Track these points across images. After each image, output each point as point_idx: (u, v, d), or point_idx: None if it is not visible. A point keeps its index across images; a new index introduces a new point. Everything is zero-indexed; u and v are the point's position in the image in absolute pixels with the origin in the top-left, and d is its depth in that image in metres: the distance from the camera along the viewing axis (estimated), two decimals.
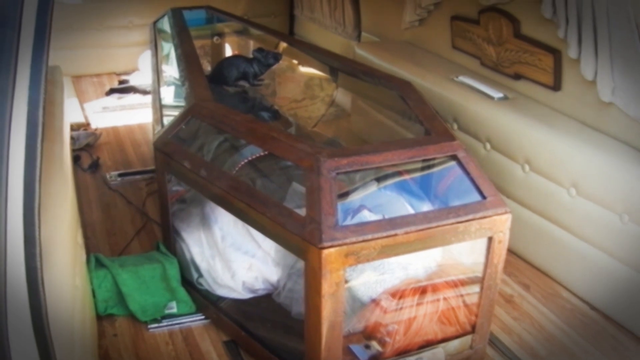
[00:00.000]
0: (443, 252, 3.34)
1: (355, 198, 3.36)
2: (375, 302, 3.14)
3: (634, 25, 3.35)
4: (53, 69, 4.52)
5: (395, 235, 2.71)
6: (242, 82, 4.64)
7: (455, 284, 3.22)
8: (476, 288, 3.15)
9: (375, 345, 3.09)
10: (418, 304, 3.12)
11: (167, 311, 3.57)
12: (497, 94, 4.32)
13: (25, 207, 1.77)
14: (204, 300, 3.59)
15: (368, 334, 3.13)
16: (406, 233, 2.73)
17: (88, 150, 5.59)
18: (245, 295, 3.57)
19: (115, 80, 7.36)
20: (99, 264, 3.68)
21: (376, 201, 3.36)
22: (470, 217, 2.86)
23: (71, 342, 2.31)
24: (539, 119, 3.97)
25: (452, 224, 2.83)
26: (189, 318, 3.57)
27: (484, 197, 2.96)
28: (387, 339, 3.07)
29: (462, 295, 3.20)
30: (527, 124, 3.96)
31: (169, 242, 3.83)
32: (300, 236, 2.68)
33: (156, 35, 5.38)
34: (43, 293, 1.82)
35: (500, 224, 2.95)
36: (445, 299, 3.18)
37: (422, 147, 3.09)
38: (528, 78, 4.28)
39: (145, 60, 6.73)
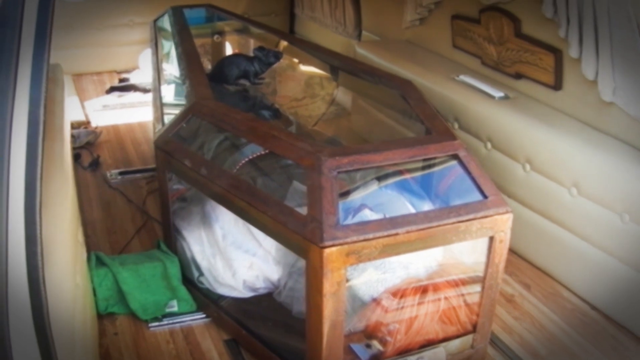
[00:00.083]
0: (444, 252, 3.34)
1: (356, 197, 3.36)
2: (376, 301, 3.14)
3: (635, 25, 3.35)
4: (53, 67, 4.52)
5: (397, 234, 2.70)
6: (242, 81, 4.63)
7: (456, 284, 3.22)
8: (477, 287, 3.14)
9: (376, 345, 3.09)
10: (419, 303, 3.12)
11: (167, 310, 3.57)
12: (498, 94, 4.32)
13: (27, 205, 1.77)
14: (205, 298, 3.59)
15: (369, 333, 3.13)
16: (407, 232, 2.72)
17: (88, 148, 5.59)
18: (246, 294, 3.57)
19: (115, 78, 7.35)
20: (100, 262, 3.68)
21: (377, 200, 3.36)
22: (471, 216, 2.86)
23: (72, 340, 2.31)
24: (540, 119, 3.97)
25: (454, 223, 2.82)
26: (190, 317, 3.57)
27: (485, 197, 2.96)
28: (388, 338, 3.07)
29: (463, 295, 3.20)
30: (528, 124, 3.96)
31: (169, 240, 3.82)
32: (301, 235, 2.68)
33: (157, 33, 5.38)
34: (44, 291, 1.82)
35: (502, 223, 2.95)
36: (446, 298, 3.18)
37: (423, 146, 3.09)
38: (529, 77, 4.28)
39: (145, 58, 6.72)
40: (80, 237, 3.42)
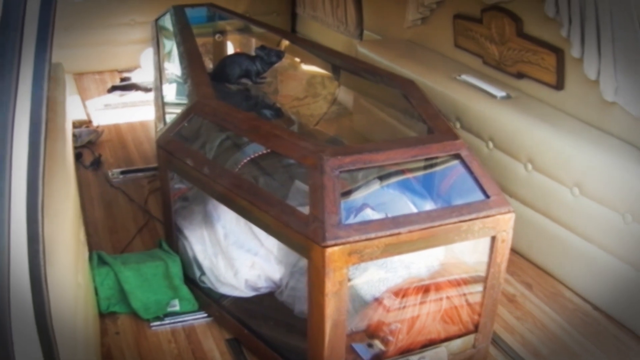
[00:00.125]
0: (446, 251, 3.34)
1: (358, 197, 3.36)
2: (378, 300, 3.14)
3: (637, 25, 3.35)
4: (55, 66, 4.50)
5: (399, 233, 2.70)
6: (244, 80, 4.63)
7: (458, 283, 3.22)
8: (479, 287, 3.14)
9: (378, 344, 3.09)
10: (421, 303, 3.12)
11: (169, 309, 3.57)
12: (500, 93, 4.32)
13: (29, 204, 1.77)
14: (207, 298, 3.59)
15: (371, 333, 3.13)
16: (410, 232, 2.72)
17: (90, 147, 5.59)
18: (248, 293, 3.57)
19: (117, 77, 7.36)
20: (102, 261, 3.68)
21: (379, 200, 3.36)
22: (473, 216, 2.86)
23: (74, 339, 2.31)
24: (542, 118, 3.97)
25: (456, 222, 2.82)
26: (192, 316, 3.57)
27: (487, 196, 2.96)
28: (390, 338, 3.06)
29: (465, 295, 3.20)
30: (529, 123, 3.96)
31: (171, 239, 3.82)
32: (303, 234, 2.67)
33: (158, 32, 5.38)
34: (46, 290, 1.82)
35: (504, 223, 2.94)
36: (448, 298, 3.17)
37: (425, 145, 3.09)
38: (531, 77, 4.28)
39: (147, 57, 6.73)
40: (82, 237, 3.42)
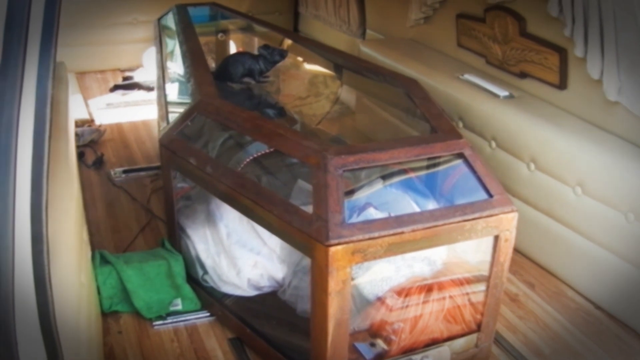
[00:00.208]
0: (449, 251, 3.34)
1: (361, 196, 3.36)
2: (381, 300, 3.14)
3: None
4: (58, 65, 4.47)
5: (402, 233, 2.70)
6: (247, 79, 4.63)
7: (461, 283, 3.22)
8: (482, 286, 3.14)
9: (380, 344, 3.09)
10: (424, 302, 3.12)
11: (172, 308, 3.57)
12: (503, 93, 4.31)
13: (33, 204, 1.78)
14: (209, 297, 3.59)
15: (373, 332, 3.13)
16: (413, 231, 2.72)
17: (92, 146, 5.59)
18: (251, 292, 3.57)
19: (119, 76, 7.36)
20: (104, 260, 3.68)
21: (382, 199, 3.36)
22: (476, 215, 2.86)
23: (77, 338, 2.31)
24: (545, 118, 3.96)
25: (459, 222, 2.82)
26: (194, 315, 3.57)
27: (490, 196, 2.96)
28: (393, 337, 3.06)
29: (467, 294, 3.20)
30: (532, 123, 3.96)
31: (174, 238, 3.82)
32: (306, 233, 2.67)
33: (161, 31, 5.38)
34: (50, 290, 1.82)
35: (507, 222, 2.94)
36: (451, 297, 3.17)
37: (429, 144, 3.08)
38: (534, 76, 4.28)
39: (149, 56, 6.72)
40: (85, 236, 3.42)
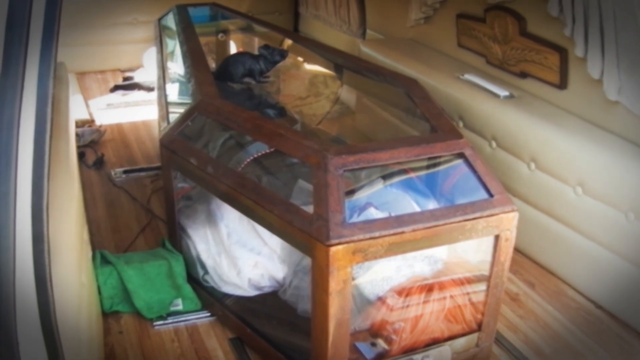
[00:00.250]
0: (449, 250, 3.34)
1: (361, 196, 3.36)
2: (381, 299, 3.14)
3: None
4: (58, 65, 4.49)
5: (403, 232, 2.70)
6: (248, 79, 4.63)
7: (461, 282, 3.22)
8: (482, 286, 3.14)
9: (381, 343, 3.09)
10: (424, 302, 3.12)
11: (172, 308, 3.57)
12: (503, 92, 4.32)
13: (34, 203, 1.78)
14: (210, 297, 3.59)
15: (374, 332, 3.13)
16: (413, 231, 2.72)
17: (93, 147, 5.59)
18: (251, 292, 3.57)
19: (119, 77, 7.37)
20: (105, 260, 3.68)
21: (382, 199, 3.36)
22: (477, 215, 2.86)
23: (78, 338, 2.32)
24: (545, 118, 3.97)
25: (459, 221, 2.82)
26: (195, 315, 3.57)
27: (491, 195, 2.96)
28: (394, 337, 3.07)
29: (468, 294, 3.20)
30: (533, 123, 3.96)
31: (174, 239, 3.83)
32: (307, 233, 2.67)
33: (161, 32, 5.38)
34: (51, 289, 1.83)
35: (507, 222, 2.94)
36: (451, 297, 3.18)
37: (429, 144, 3.08)
38: (534, 76, 4.28)
39: (149, 57, 6.73)
40: (85, 236, 3.42)
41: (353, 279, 2.77)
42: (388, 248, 2.70)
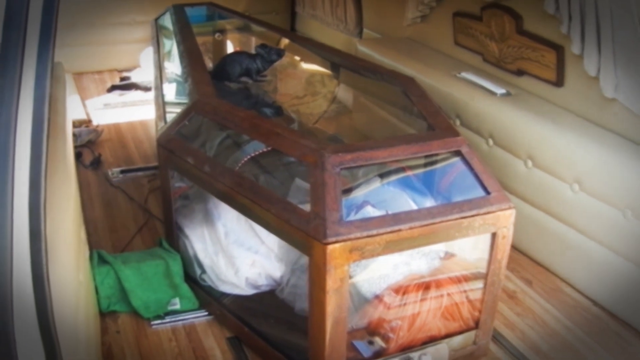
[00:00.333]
0: (446, 248, 3.34)
1: (358, 194, 3.36)
2: (378, 298, 3.14)
3: (637, 21, 3.35)
4: (55, 65, 4.49)
5: (400, 230, 2.71)
6: (245, 78, 4.63)
7: (458, 280, 3.23)
8: (479, 284, 3.15)
9: (378, 341, 3.09)
10: (422, 300, 3.12)
11: (170, 307, 3.57)
12: (500, 90, 4.32)
13: (31, 202, 1.78)
14: (207, 296, 3.59)
15: (371, 330, 3.14)
16: (410, 228, 2.73)
17: (90, 147, 5.59)
18: (249, 291, 3.57)
19: (116, 77, 7.36)
20: (102, 260, 3.68)
21: (379, 197, 3.36)
22: (474, 212, 2.86)
23: (76, 338, 2.31)
24: (542, 115, 3.97)
25: (456, 219, 2.83)
26: (192, 314, 3.57)
27: (487, 193, 2.96)
28: (391, 335, 3.07)
29: (465, 291, 3.20)
30: (529, 120, 3.96)
31: (172, 238, 3.83)
32: (304, 232, 2.68)
33: (158, 32, 5.38)
34: (48, 288, 1.82)
35: (504, 219, 2.95)
36: (448, 294, 3.18)
37: (426, 142, 3.09)
38: (531, 74, 4.29)
39: (146, 57, 6.73)
40: (83, 235, 3.42)
41: (350, 277, 2.78)
42: (385, 246, 2.70)
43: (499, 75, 4.57)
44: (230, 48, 6.03)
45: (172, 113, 3.84)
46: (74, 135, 5.43)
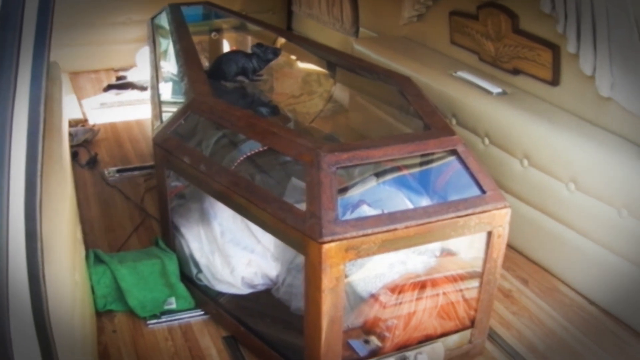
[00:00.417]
0: (444, 246, 3.35)
1: (354, 193, 3.36)
2: (374, 297, 3.14)
3: (633, 20, 3.36)
4: (51, 65, 4.51)
5: (395, 229, 2.71)
6: (241, 78, 4.63)
7: (454, 279, 3.23)
8: (475, 283, 3.15)
9: (374, 340, 3.10)
10: (417, 299, 3.12)
11: (166, 307, 3.57)
12: (496, 89, 4.32)
13: (27, 202, 1.78)
14: (203, 295, 3.59)
15: (367, 329, 3.14)
16: (406, 227, 2.73)
17: (86, 146, 5.59)
18: (245, 290, 3.57)
19: (113, 76, 7.35)
20: (98, 260, 3.68)
21: (375, 196, 3.36)
22: (469, 211, 2.87)
23: (72, 337, 2.32)
24: (538, 114, 3.97)
25: (452, 218, 2.83)
26: (188, 314, 3.57)
27: (483, 192, 2.97)
28: (387, 334, 3.07)
29: (461, 290, 3.20)
30: (525, 119, 3.96)
31: (168, 237, 3.83)
32: (300, 231, 2.68)
33: (154, 31, 5.37)
34: (44, 288, 1.83)
35: (500, 218, 2.95)
36: (444, 293, 3.18)
37: (422, 141, 3.09)
38: (527, 73, 4.29)
39: (143, 56, 6.72)
40: (79, 235, 3.43)
41: (346, 276, 2.78)
42: (381, 245, 2.70)
43: (495, 74, 4.57)
44: (226, 47, 6.03)
45: (168, 112, 3.84)
46: (70, 134, 5.43)
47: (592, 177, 3.56)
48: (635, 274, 3.42)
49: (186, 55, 4.21)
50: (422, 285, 3.16)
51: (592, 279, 3.71)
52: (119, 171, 5.19)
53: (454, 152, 3.11)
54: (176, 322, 3.53)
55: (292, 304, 3.39)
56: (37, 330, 1.82)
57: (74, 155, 5.31)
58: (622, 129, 3.63)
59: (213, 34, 5.98)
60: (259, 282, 3.57)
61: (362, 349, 3.07)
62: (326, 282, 2.64)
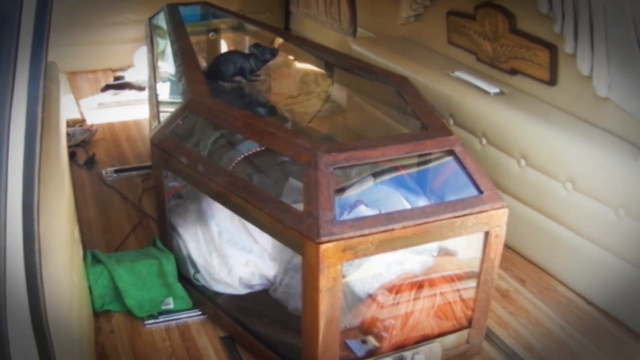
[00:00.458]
0: (442, 246, 3.35)
1: (352, 193, 3.37)
2: (371, 297, 3.15)
3: (630, 20, 3.36)
4: (49, 65, 4.49)
5: (393, 229, 2.71)
6: (238, 78, 4.63)
7: (451, 279, 3.23)
8: (472, 283, 3.15)
9: (371, 340, 3.10)
10: (415, 299, 3.12)
11: (163, 307, 3.57)
12: (493, 89, 4.32)
13: (25, 203, 1.78)
14: (201, 296, 3.59)
15: (365, 329, 3.14)
16: (403, 228, 2.73)
17: (84, 146, 5.58)
18: (242, 290, 3.57)
19: (110, 76, 7.35)
20: (96, 260, 3.68)
21: (373, 196, 3.37)
22: (467, 211, 2.87)
23: (69, 338, 2.32)
24: (535, 114, 3.97)
25: (449, 218, 2.83)
26: (186, 314, 3.57)
27: (480, 192, 2.97)
28: (384, 334, 3.07)
29: (458, 290, 3.21)
30: (523, 119, 3.96)
31: (165, 238, 3.82)
32: (298, 231, 2.68)
33: (152, 31, 5.37)
34: (42, 288, 1.83)
35: (497, 218, 2.96)
36: (441, 293, 3.18)
37: (420, 141, 3.09)
38: (524, 73, 4.29)
39: (140, 56, 6.72)
40: (76, 235, 3.42)
41: (343, 276, 2.78)
42: (378, 245, 2.71)
43: (492, 75, 4.57)
44: (224, 47, 6.03)
45: (166, 112, 3.84)
46: (68, 134, 5.43)
47: (590, 177, 3.57)
48: (632, 274, 3.42)
49: (184, 56, 4.21)
50: (419, 286, 3.16)
51: (589, 279, 3.71)
52: (116, 171, 5.18)
53: (451, 152, 3.11)
54: (174, 322, 3.53)
55: (289, 304, 3.39)
56: (34, 330, 1.82)
57: (72, 156, 5.30)
58: (620, 129, 3.63)
59: (211, 34, 5.98)
60: (257, 283, 3.57)
61: (359, 349, 3.07)
62: (324, 282, 2.64)
